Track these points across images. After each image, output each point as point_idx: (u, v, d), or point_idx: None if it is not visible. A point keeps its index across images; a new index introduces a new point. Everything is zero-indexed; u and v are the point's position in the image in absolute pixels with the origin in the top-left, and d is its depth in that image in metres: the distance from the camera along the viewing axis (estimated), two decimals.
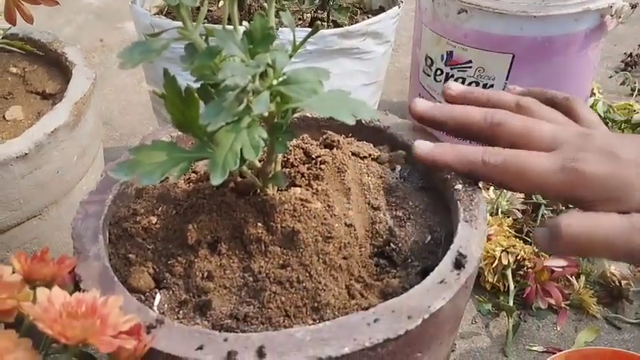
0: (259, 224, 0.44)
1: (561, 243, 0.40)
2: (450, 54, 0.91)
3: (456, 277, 0.39)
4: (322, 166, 0.47)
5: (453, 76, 0.92)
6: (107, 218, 0.46)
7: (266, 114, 0.35)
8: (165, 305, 0.42)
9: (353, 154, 0.52)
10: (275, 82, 0.36)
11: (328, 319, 0.39)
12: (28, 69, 0.74)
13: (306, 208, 0.44)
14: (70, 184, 0.64)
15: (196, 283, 0.42)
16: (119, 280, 0.42)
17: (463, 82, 0.91)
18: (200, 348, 0.34)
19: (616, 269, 0.83)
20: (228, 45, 0.34)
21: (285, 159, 0.49)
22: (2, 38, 0.71)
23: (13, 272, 0.37)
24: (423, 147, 0.47)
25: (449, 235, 0.45)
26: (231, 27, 0.37)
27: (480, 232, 0.43)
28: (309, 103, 0.38)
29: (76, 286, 0.40)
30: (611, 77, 1.29)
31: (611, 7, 0.83)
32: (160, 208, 0.47)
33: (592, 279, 0.85)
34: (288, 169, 0.48)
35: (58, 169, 0.61)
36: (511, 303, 0.78)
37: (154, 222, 0.46)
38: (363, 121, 0.56)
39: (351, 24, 0.75)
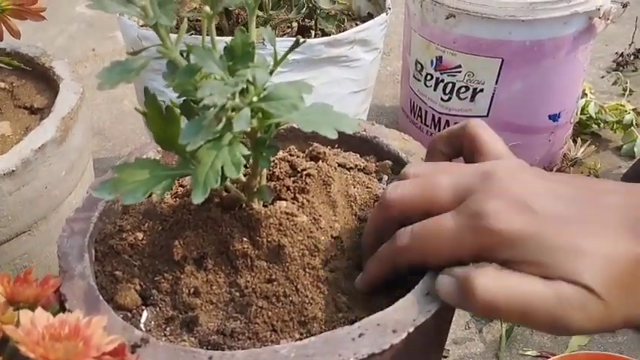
0: (245, 239, 0.43)
1: (474, 303, 0.35)
2: (439, 59, 0.91)
3: None
4: (308, 179, 0.47)
5: (442, 80, 0.92)
6: (93, 235, 0.46)
7: (248, 129, 0.35)
8: (152, 322, 0.42)
9: (339, 165, 0.52)
10: (255, 98, 0.36)
11: (315, 333, 0.39)
12: (16, 83, 0.74)
13: (291, 222, 0.44)
14: (59, 199, 0.64)
15: (183, 299, 0.42)
16: (106, 297, 0.42)
17: (453, 87, 0.92)
18: None
19: None
20: (207, 63, 0.34)
21: (271, 172, 0.49)
22: None
23: None
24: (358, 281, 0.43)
25: None
26: (209, 45, 0.37)
27: None
28: (291, 119, 0.38)
29: (61, 305, 0.40)
30: (602, 77, 1.29)
31: (599, 9, 0.83)
32: (146, 224, 0.47)
33: None
34: (273, 183, 0.48)
35: (47, 184, 0.61)
36: None
37: (140, 238, 0.46)
38: (350, 132, 0.56)
39: (339, 32, 0.75)
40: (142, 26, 0.78)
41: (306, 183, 0.47)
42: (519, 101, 0.90)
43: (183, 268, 0.43)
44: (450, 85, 0.92)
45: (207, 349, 0.38)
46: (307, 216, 0.45)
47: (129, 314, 0.42)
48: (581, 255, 0.34)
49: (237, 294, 0.42)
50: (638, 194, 0.37)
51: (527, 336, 0.80)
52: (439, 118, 0.97)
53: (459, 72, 0.90)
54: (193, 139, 0.32)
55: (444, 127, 0.97)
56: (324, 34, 0.75)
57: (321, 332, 0.39)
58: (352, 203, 0.49)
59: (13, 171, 0.57)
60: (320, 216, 0.46)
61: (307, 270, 0.43)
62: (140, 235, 0.46)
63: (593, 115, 1.09)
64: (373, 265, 0.42)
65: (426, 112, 0.98)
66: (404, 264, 0.40)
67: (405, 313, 0.38)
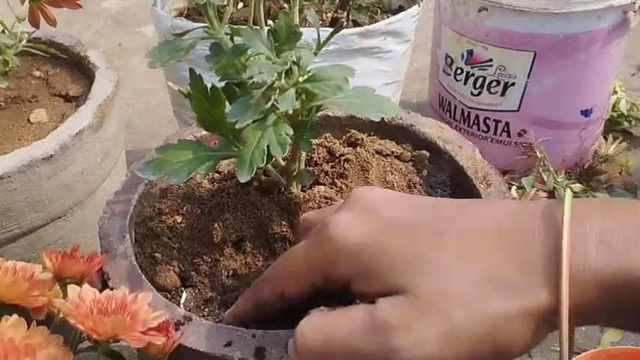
0: (284, 222, 0.44)
1: (298, 356, 0.31)
2: (470, 52, 0.90)
3: None
4: (346, 165, 0.47)
5: (473, 75, 0.91)
6: (133, 217, 0.46)
7: (291, 110, 0.35)
8: (192, 303, 0.42)
9: (376, 152, 0.52)
10: (301, 79, 0.36)
11: None
12: (51, 72, 0.75)
13: (330, 206, 0.44)
14: (94, 185, 0.65)
15: (222, 281, 0.42)
16: (146, 278, 0.43)
17: (484, 81, 0.91)
18: (228, 344, 0.34)
19: None
20: (255, 43, 0.35)
21: (309, 157, 0.49)
22: (26, 42, 0.72)
23: (43, 270, 0.37)
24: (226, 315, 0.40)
25: None
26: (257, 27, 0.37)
27: None
28: (335, 101, 0.38)
29: (104, 284, 0.40)
30: (633, 75, 1.27)
31: (635, 3, 0.82)
32: (184, 208, 0.47)
33: None
34: (312, 168, 0.48)
35: (83, 170, 0.62)
36: None
37: (179, 221, 0.46)
38: (386, 119, 0.56)
39: (371, 23, 0.75)
40: (175, 17, 0.79)
41: (345, 168, 0.47)
42: (551, 96, 0.89)
43: (222, 250, 0.43)
44: (481, 79, 0.91)
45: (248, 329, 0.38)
46: None
47: (168, 295, 0.43)
48: (420, 264, 0.30)
49: None
50: (503, 210, 0.31)
51: (556, 333, 0.79)
52: (469, 113, 0.96)
53: (490, 66, 0.89)
54: (242, 117, 0.33)
55: (474, 122, 0.96)
56: (357, 25, 0.75)
57: None
58: (389, 189, 0.48)
59: (51, 155, 0.57)
60: None
61: None
62: (179, 218, 0.46)
63: (625, 112, 1.07)
64: (239, 301, 0.39)
65: (456, 106, 0.97)
66: (265, 299, 0.36)
67: None
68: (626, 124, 1.10)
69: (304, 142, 0.41)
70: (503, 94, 0.91)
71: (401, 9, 0.87)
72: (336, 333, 0.30)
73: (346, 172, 0.47)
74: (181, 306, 0.42)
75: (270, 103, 0.33)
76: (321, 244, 0.33)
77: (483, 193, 0.47)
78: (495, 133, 0.95)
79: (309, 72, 0.38)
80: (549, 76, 0.87)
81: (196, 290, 0.43)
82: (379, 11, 0.85)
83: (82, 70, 0.73)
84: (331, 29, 0.71)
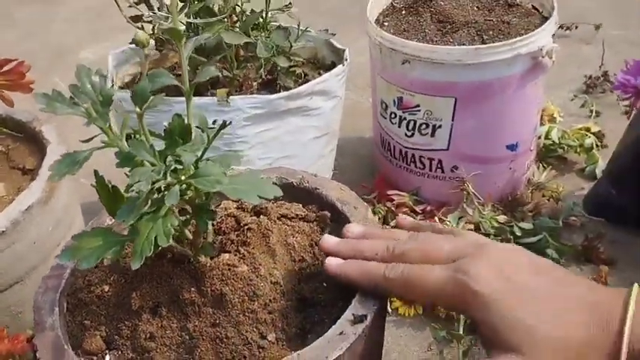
0: (193, 289, 0.51)
1: None
2: (400, 99, 0.98)
3: (354, 329, 0.46)
4: (248, 233, 0.54)
5: (405, 119, 0.99)
6: (65, 290, 0.54)
7: (176, 204, 0.43)
8: None
9: (282, 215, 0.59)
10: (183, 177, 0.44)
11: None
12: (11, 146, 0.82)
13: (232, 272, 0.51)
14: (48, 251, 0.72)
15: (141, 343, 0.50)
16: (75, 344, 0.50)
17: (415, 124, 0.99)
18: None
19: None
20: (140, 152, 0.42)
21: (218, 227, 0.56)
22: None
23: None
24: (332, 263, 0.50)
25: None
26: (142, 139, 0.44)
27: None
28: (220, 189, 0.45)
29: (34, 355, 0.47)
30: (572, 100, 1.35)
31: (542, 49, 0.90)
32: (111, 278, 0.54)
33: None
34: (220, 237, 0.55)
35: (35, 240, 0.69)
36: (461, 331, 0.84)
37: (106, 290, 0.53)
38: (295, 184, 0.64)
39: (299, 85, 0.83)
40: (120, 87, 0.86)
41: (247, 236, 0.54)
42: (476, 135, 0.97)
43: (140, 316, 0.51)
44: (412, 122, 0.99)
45: None
46: (247, 266, 0.52)
47: (94, 358, 0.50)
48: (529, 333, 0.40)
49: (187, 337, 0.49)
50: (596, 288, 0.44)
51: (484, 354, 0.86)
52: (406, 152, 1.04)
53: (419, 110, 0.97)
54: (127, 218, 0.40)
55: (411, 160, 1.04)
56: (286, 87, 0.83)
57: None
58: (291, 251, 0.56)
59: (3, 231, 0.65)
60: (260, 265, 0.53)
61: (247, 314, 0.50)
62: (106, 288, 0.53)
63: (557, 140, 1.15)
64: (356, 268, 0.49)
65: (394, 146, 1.05)
66: (383, 291, 0.48)
67: (320, 352, 0.45)
68: (560, 150, 1.17)
69: (202, 223, 0.49)
70: (432, 135, 0.98)
71: (333, 65, 0.95)
72: None
73: (248, 240, 0.54)
74: None
75: (148, 206, 0.40)
76: (459, 286, 0.43)
77: None
78: (431, 170, 1.03)
79: (197, 166, 0.46)
80: (472, 118, 0.95)
81: (119, 352, 0.50)
82: (311, 67, 0.92)
83: (37, 143, 0.81)
84: (262, 95, 0.79)
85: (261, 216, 0.57)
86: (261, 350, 0.48)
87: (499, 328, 0.41)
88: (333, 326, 0.47)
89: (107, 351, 0.50)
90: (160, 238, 0.42)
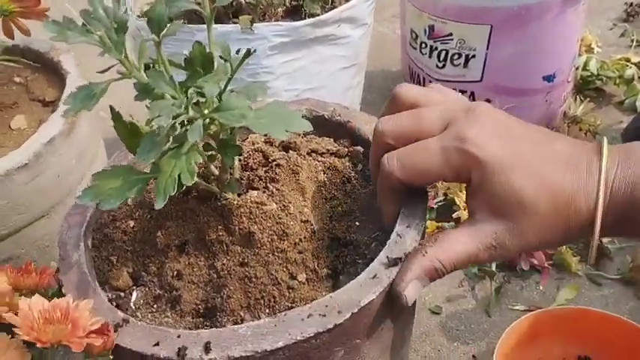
0: (220, 227, 0.49)
1: None
2: (431, 28, 0.93)
3: (388, 272, 0.44)
4: (277, 170, 0.52)
5: (436, 48, 0.95)
6: (90, 225, 0.52)
7: (200, 140, 0.40)
8: (142, 300, 0.49)
9: (312, 151, 0.56)
10: (206, 111, 0.41)
11: (282, 310, 0.45)
12: (30, 78, 0.80)
13: (261, 210, 0.49)
14: (72, 184, 0.71)
15: (168, 280, 0.49)
16: (102, 280, 0.49)
17: (447, 54, 0.94)
18: (157, 344, 0.40)
19: None
20: (159, 84, 0.39)
21: (245, 163, 0.54)
22: (4, 50, 0.77)
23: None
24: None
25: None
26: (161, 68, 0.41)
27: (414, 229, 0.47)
28: (246, 123, 0.43)
29: (60, 290, 0.46)
30: (611, 29, 1.28)
31: None
32: (137, 213, 0.53)
33: None
34: (247, 173, 0.53)
35: (59, 173, 0.68)
36: (493, 267, 0.83)
37: (132, 226, 0.52)
38: (326, 116, 0.61)
39: (326, 11, 0.78)
40: (139, 16, 0.83)
41: (276, 173, 0.52)
42: (512, 65, 0.92)
43: (167, 254, 0.49)
44: (444, 52, 0.94)
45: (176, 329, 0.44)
46: (276, 203, 0.50)
47: (122, 294, 0.49)
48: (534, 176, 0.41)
49: (215, 275, 0.48)
50: (574, 144, 0.44)
51: (517, 292, 0.85)
52: None
53: (451, 40, 0.92)
54: (147, 156, 0.38)
55: None
56: (312, 14, 0.79)
57: (287, 310, 0.45)
58: (322, 188, 0.54)
59: (26, 164, 0.63)
60: (289, 203, 0.51)
61: (276, 253, 0.48)
62: (132, 223, 0.52)
63: (595, 72, 1.09)
64: (379, 200, 0.48)
65: (424, 78, 1.01)
66: (395, 187, 0.46)
67: (352, 295, 0.43)
68: (598, 82, 1.12)
69: (227, 158, 0.46)
70: (465, 65, 0.94)
71: None
72: None
73: (277, 177, 0.52)
74: (132, 303, 0.48)
75: (169, 143, 0.38)
76: (462, 154, 0.43)
77: None
78: None
79: (220, 98, 0.43)
80: (508, 47, 0.90)
81: (146, 289, 0.49)
82: None
83: (56, 74, 0.78)
84: (287, 22, 0.75)
85: (290, 151, 0.55)
86: (290, 291, 0.47)
87: (497, 193, 0.42)
88: (367, 269, 0.45)
89: (134, 287, 0.49)
90: (183, 176, 0.40)
